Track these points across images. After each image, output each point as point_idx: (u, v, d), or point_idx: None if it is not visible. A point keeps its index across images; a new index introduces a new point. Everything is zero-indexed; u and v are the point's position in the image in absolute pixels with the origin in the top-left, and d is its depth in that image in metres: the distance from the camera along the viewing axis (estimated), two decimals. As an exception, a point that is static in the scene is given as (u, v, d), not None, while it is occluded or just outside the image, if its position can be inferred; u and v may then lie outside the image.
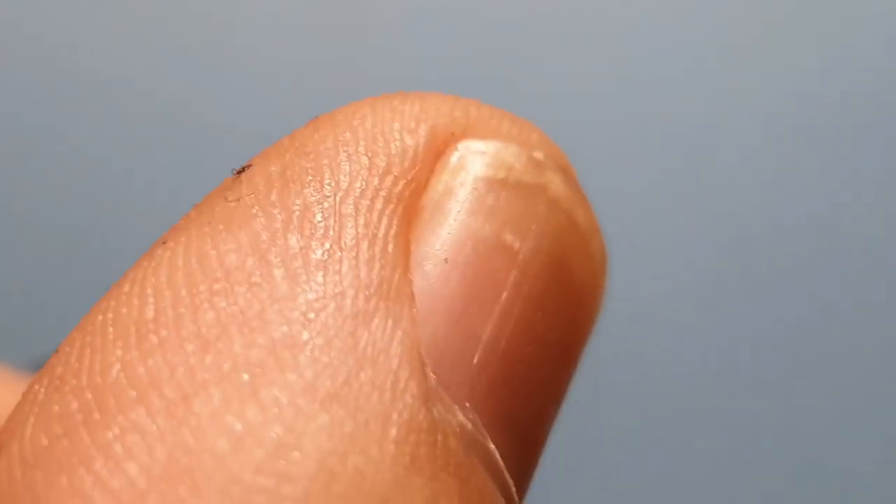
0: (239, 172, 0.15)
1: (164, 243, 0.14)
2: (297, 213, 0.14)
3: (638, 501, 0.57)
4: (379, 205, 0.14)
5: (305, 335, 0.13)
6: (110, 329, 0.13)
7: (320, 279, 0.13)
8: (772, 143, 0.57)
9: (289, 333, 0.13)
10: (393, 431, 0.13)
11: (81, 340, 0.13)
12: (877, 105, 0.57)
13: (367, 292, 0.13)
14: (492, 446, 0.14)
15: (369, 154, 0.14)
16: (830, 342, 0.57)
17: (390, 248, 0.14)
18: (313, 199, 0.14)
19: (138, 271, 0.14)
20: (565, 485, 0.57)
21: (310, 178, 0.14)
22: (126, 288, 0.14)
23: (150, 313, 0.13)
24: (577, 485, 0.57)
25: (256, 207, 0.14)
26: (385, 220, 0.14)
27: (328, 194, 0.14)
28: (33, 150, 0.53)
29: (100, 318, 0.14)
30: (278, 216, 0.14)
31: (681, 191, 0.57)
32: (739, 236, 0.57)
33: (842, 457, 0.57)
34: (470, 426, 0.14)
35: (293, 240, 0.14)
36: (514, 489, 0.14)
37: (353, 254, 0.14)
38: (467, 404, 0.14)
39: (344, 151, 0.14)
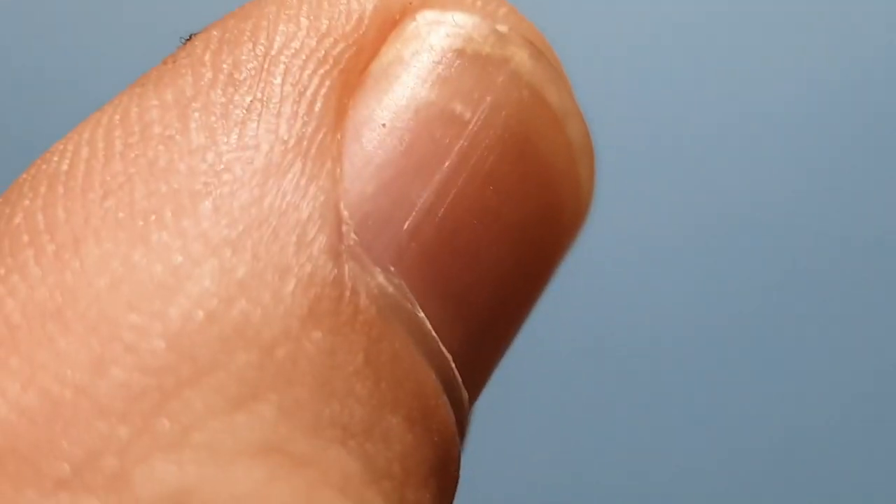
0: (188, 41, 0.14)
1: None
2: (225, 71, 0.13)
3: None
4: (312, 65, 0.13)
5: (210, 186, 0.12)
6: (28, 183, 0.13)
7: (236, 133, 0.13)
8: (771, 142, 0.56)
9: (192, 184, 0.12)
10: (292, 282, 0.12)
11: (4, 197, 0.13)
12: (879, 106, 0.56)
13: (284, 147, 0.13)
14: (421, 314, 0.13)
15: (311, 17, 0.14)
16: (828, 343, 0.56)
17: (318, 106, 0.13)
18: (244, 58, 0.13)
19: (68, 133, 0.14)
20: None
21: (245, 39, 0.14)
22: (53, 147, 0.13)
23: (64, 166, 0.13)
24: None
25: (187, 68, 0.14)
26: (316, 80, 0.13)
27: (260, 54, 0.13)
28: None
29: (24, 176, 0.13)
30: (206, 74, 0.13)
31: (679, 190, 0.56)
32: (740, 236, 0.57)
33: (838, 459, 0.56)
34: (391, 289, 0.13)
35: (215, 95, 0.13)
36: (452, 364, 0.13)
37: (276, 110, 0.13)
38: (392, 268, 0.13)
39: (285, 14, 0.14)
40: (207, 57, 0.14)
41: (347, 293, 0.12)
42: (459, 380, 0.14)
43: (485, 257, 0.14)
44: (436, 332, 0.13)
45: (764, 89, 0.56)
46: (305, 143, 0.13)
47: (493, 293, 0.14)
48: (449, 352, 0.13)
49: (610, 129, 0.59)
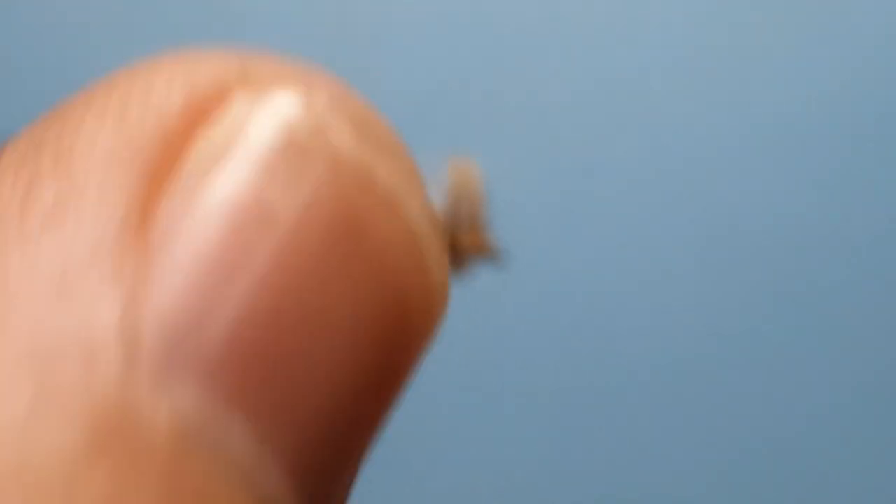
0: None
1: None
2: (25, 179, 0.13)
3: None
4: (115, 167, 0.13)
5: None
6: None
7: (30, 249, 0.12)
8: (766, 143, 0.56)
9: None
10: (71, 413, 0.11)
11: None
12: (875, 106, 0.56)
13: (77, 260, 0.12)
14: (234, 433, 0.12)
15: (115, 116, 0.13)
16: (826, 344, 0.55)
17: (118, 210, 0.13)
18: (45, 167, 0.13)
19: None
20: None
21: (50, 142, 0.13)
22: None
23: None
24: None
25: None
26: (118, 183, 0.13)
27: (62, 158, 0.13)
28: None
29: None
30: (6, 184, 0.13)
31: (674, 192, 0.56)
32: (734, 237, 0.57)
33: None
34: (194, 411, 0.12)
35: (12, 210, 0.13)
36: (276, 479, 0.13)
37: (74, 219, 0.12)
38: (197, 386, 0.12)
39: (90, 115, 0.13)
40: (13, 164, 0.13)
41: (139, 420, 0.12)
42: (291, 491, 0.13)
43: (315, 360, 0.13)
44: (259, 444, 0.12)
45: (763, 91, 0.56)
46: (101, 253, 0.12)
47: (330, 395, 0.13)
48: (277, 466, 0.13)
49: (609, 130, 0.58)
